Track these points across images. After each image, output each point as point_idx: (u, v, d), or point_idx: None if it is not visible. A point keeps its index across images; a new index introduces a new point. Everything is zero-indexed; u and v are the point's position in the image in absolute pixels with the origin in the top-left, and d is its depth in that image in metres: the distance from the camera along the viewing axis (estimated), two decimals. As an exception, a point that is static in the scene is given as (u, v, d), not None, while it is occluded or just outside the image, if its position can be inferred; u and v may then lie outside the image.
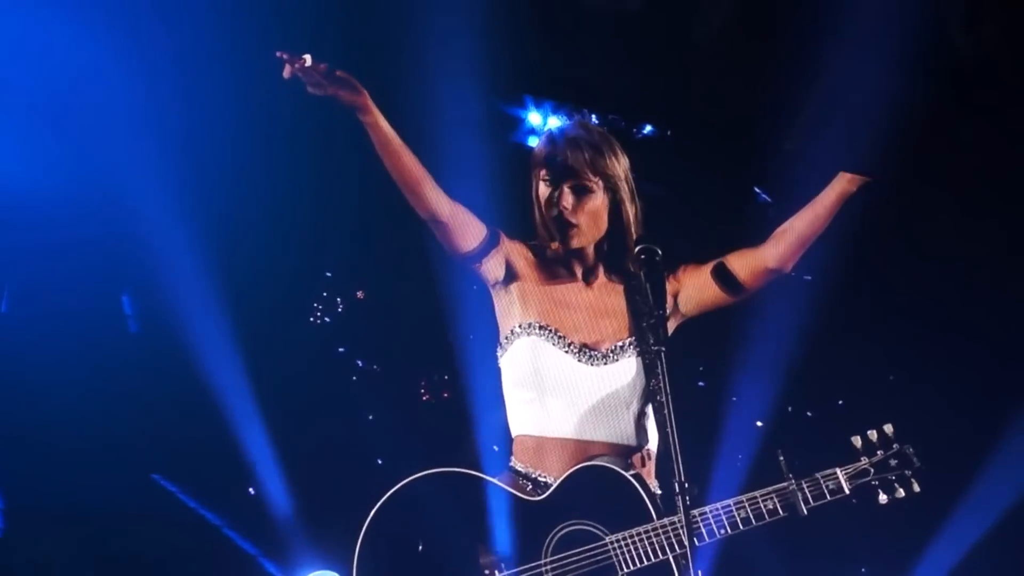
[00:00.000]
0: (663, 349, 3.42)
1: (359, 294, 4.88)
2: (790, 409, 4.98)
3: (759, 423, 4.67)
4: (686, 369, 4.21)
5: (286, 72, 3.58)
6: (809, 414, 4.98)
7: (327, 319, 5.11)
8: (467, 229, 3.92)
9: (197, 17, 4.62)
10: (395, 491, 3.72)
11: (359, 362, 5.11)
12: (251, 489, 4.92)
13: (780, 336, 5.02)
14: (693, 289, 4.02)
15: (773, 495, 3.76)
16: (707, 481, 3.97)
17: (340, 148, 4.88)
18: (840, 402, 4.31)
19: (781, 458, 3.79)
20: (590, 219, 3.99)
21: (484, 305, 4.53)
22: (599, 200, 4.01)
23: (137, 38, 4.57)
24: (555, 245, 4.02)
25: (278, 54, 3.50)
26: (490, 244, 3.97)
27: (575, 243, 3.99)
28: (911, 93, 5.00)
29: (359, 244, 5.06)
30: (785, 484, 3.77)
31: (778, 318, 4.97)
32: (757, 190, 5.27)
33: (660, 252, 3.62)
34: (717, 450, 4.46)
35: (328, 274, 5.13)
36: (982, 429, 4.95)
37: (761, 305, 4.92)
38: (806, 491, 3.79)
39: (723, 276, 4.05)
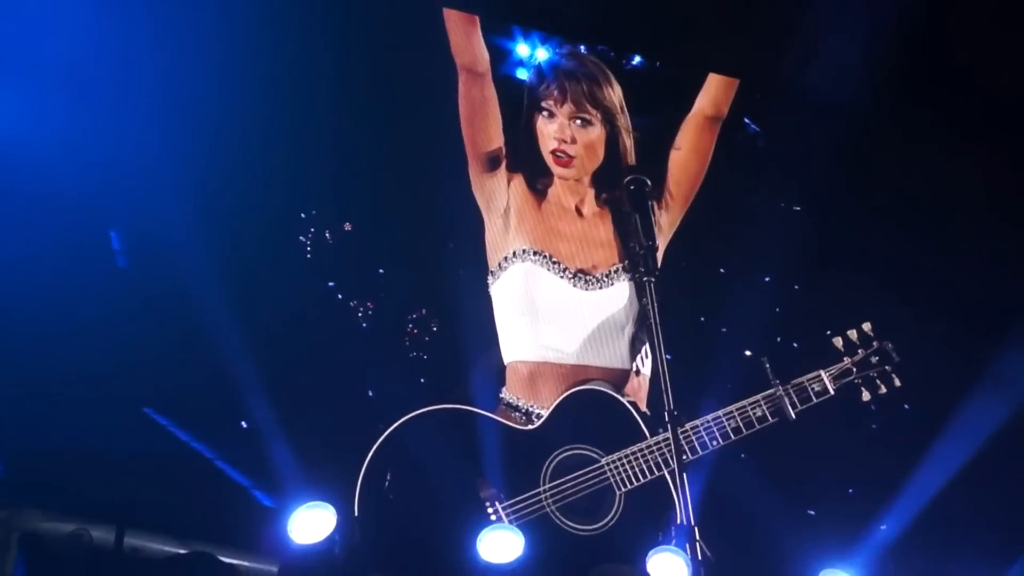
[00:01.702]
0: (653, 279, 3.62)
1: (346, 226, 4.98)
2: (779, 340, 5.15)
3: (747, 352, 4.86)
4: (679, 302, 4.39)
5: None
6: (795, 345, 5.15)
7: (315, 253, 5.18)
8: (492, 114, 4.10)
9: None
10: (391, 431, 3.92)
11: (347, 295, 5.16)
12: (243, 422, 5.02)
13: (769, 268, 5.22)
14: (672, 186, 4.23)
15: (761, 402, 4.01)
16: (697, 405, 4.17)
17: (328, 78, 5.01)
18: (828, 332, 4.48)
19: (767, 365, 4.02)
20: (587, 151, 4.22)
21: (472, 241, 4.71)
22: (597, 132, 4.24)
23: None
24: (552, 176, 4.23)
25: None
26: (500, 157, 4.16)
27: (572, 174, 4.22)
28: (901, 20, 5.16)
29: (348, 177, 5.12)
30: (772, 390, 4.00)
31: (767, 249, 5.15)
32: (746, 120, 5.35)
33: (649, 183, 3.83)
34: (707, 376, 4.65)
35: (313, 211, 5.21)
36: (970, 350, 5.18)
37: (751, 239, 5.15)
38: (793, 395, 4.04)
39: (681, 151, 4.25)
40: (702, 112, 4.44)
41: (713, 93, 4.41)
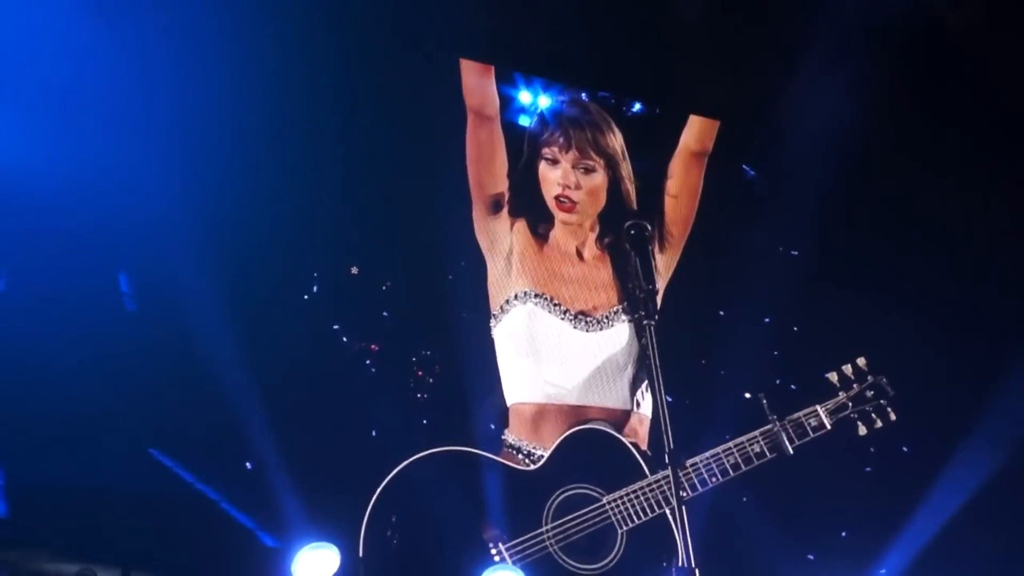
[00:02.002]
0: (653, 323, 3.67)
1: (353, 270, 5.05)
2: (778, 382, 5.22)
3: (747, 395, 4.92)
4: (679, 345, 4.48)
5: None
6: (793, 387, 5.22)
7: (321, 296, 5.23)
8: (498, 157, 4.18)
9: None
10: (396, 472, 3.96)
11: (352, 338, 5.22)
12: (248, 463, 5.06)
13: (768, 309, 5.30)
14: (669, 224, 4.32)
15: (759, 438, 4.06)
16: (697, 444, 4.22)
17: (334, 122, 5.09)
18: (826, 375, 4.55)
19: (764, 402, 4.08)
20: (590, 196, 4.31)
21: (475, 284, 4.77)
22: (599, 178, 4.34)
23: (131, 20, 4.74)
24: (554, 220, 4.33)
25: None
26: (504, 201, 4.23)
27: (574, 220, 4.30)
28: (897, 68, 5.27)
29: (354, 222, 5.19)
30: (770, 426, 4.05)
31: (765, 292, 5.20)
32: (744, 167, 5.47)
33: (649, 227, 3.90)
34: (707, 416, 4.71)
35: (320, 256, 5.27)
36: (968, 387, 5.24)
37: (748, 283, 5.23)
38: (790, 430, 4.09)
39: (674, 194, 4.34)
40: (687, 149, 4.55)
41: (697, 129, 4.53)
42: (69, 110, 4.92)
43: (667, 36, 5.03)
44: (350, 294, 5.20)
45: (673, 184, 4.46)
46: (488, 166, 4.31)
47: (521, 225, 4.42)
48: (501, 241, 4.41)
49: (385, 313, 5.19)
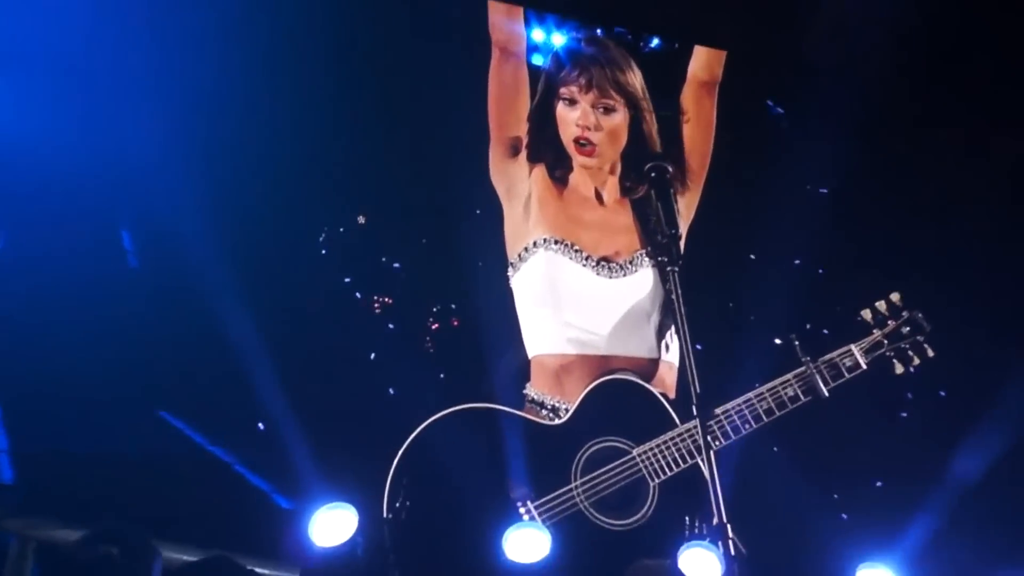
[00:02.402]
0: (676, 268, 3.59)
1: (360, 219, 4.97)
2: (808, 327, 5.11)
3: (776, 340, 4.84)
4: (705, 289, 4.40)
5: None
6: (826, 332, 5.12)
7: (330, 248, 5.19)
8: (521, 96, 4.10)
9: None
10: (417, 433, 3.89)
11: (364, 291, 5.17)
12: (260, 424, 5.02)
13: (797, 251, 5.23)
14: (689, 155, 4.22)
15: (793, 381, 4.00)
16: (727, 391, 4.15)
17: (339, 61, 5.01)
18: (859, 313, 4.46)
19: (796, 342, 3.99)
20: (610, 138, 4.22)
21: (491, 231, 4.69)
22: (620, 118, 4.24)
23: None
24: (573, 163, 4.21)
25: None
26: (523, 144, 4.14)
27: (594, 163, 4.20)
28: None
29: (361, 168, 5.12)
30: (803, 368, 3.96)
31: (794, 233, 5.14)
32: (769, 103, 5.38)
33: (671, 169, 3.82)
34: (736, 363, 4.63)
35: (327, 205, 5.20)
36: (1008, 332, 5.16)
37: (776, 224, 5.14)
38: (824, 372, 4.03)
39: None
40: (696, 79, 4.46)
41: (704, 57, 4.41)
42: (68, 69, 4.87)
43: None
44: (361, 245, 5.15)
45: (687, 117, 4.33)
46: (511, 105, 4.24)
47: (540, 171, 4.34)
48: (519, 186, 4.32)
49: (397, 264, 5.14)
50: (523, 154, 4.29)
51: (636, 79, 4.33)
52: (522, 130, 4.26)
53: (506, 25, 4.21)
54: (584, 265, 4.26)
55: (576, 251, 4.27)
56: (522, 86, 4.29)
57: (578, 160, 4.26)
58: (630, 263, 4.29)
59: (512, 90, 4.26)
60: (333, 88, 5.07)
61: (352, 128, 5.11)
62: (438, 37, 4.94)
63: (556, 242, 4.26)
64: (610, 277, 4.28)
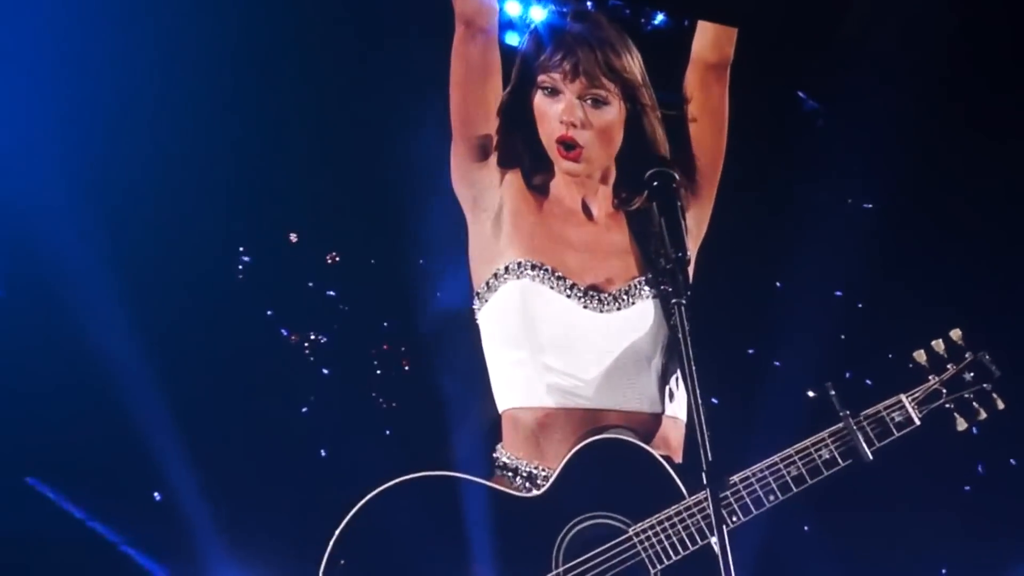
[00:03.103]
0: (683, 301, 3.53)
1: (291, 237, 4.97)
2: (848, 376, 5.15)
3: (811, 393, 4.79)
4: (720, 327, 4.35)
5: None
6: (869, 382, 5.15)
7: (250, 273, 5.21)
8: (491, 82, 4.03)
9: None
10: (357, 510, 3.83)
11: (291, 326, 5.22)
12: (156, 493, 5.03)
13: (832, 281, 5.26)
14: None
15: (828, 440, 3.89)
16: (747, 454, 4.09)
17: (270, 56, 5.06)
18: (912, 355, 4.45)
19: (832, 392, 3.93)
20: (601, 137, 4.11)
21: (452, 252, 4.64)
22: (613, 112, 4.12)
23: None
24: (555, 169, 4.13)
25: None
26: (493, 143, 4.07)
27: (581, 168, 4.10)
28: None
29: (290, 172, 5.13)
30: (841, 425, 3.90)
31: (832, 258, 5.18)
32: (801, 95, 5.40)
33: (678, 177, 3.74)
34: (758, 419, 4.70)
35: (247, 218, 5.21)
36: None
37: (810, 245, 5.15)
38: (868, 429, 3.93)
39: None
40: (703, 61, 4.34)
41: (711, 34, 4.34)
42: None
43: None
44: (288, 269, 5.16)
45: (693, 108, 4.28)
46: (478, 95, 4.12)
47: (513, 177, 4.22)
48: (488, 196, 4.20)
49: (331, 292, 5.15)
50: (493, 156, 4.18)
51: (635, 64, 4.22)
52: (492, 126, 4.16)
53: None
54: (568, 295, 4.15)
55: (558, 278, 4.15)
56: (492, 71, 4.18)
57: (561, 165, 4.14)
58: (625, 293, 4.18)
59: (479, 76, 4.14)
60: (257, 74, 5.09)
61: (280, 124, 5.13)
62: (386, 11, 4.97)
63: (533, 266, 4.15)
64: (600, 310, 4.15)
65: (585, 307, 4.07)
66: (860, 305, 5.36)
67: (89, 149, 4.93)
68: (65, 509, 5.02)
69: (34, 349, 4.96)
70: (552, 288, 4.08)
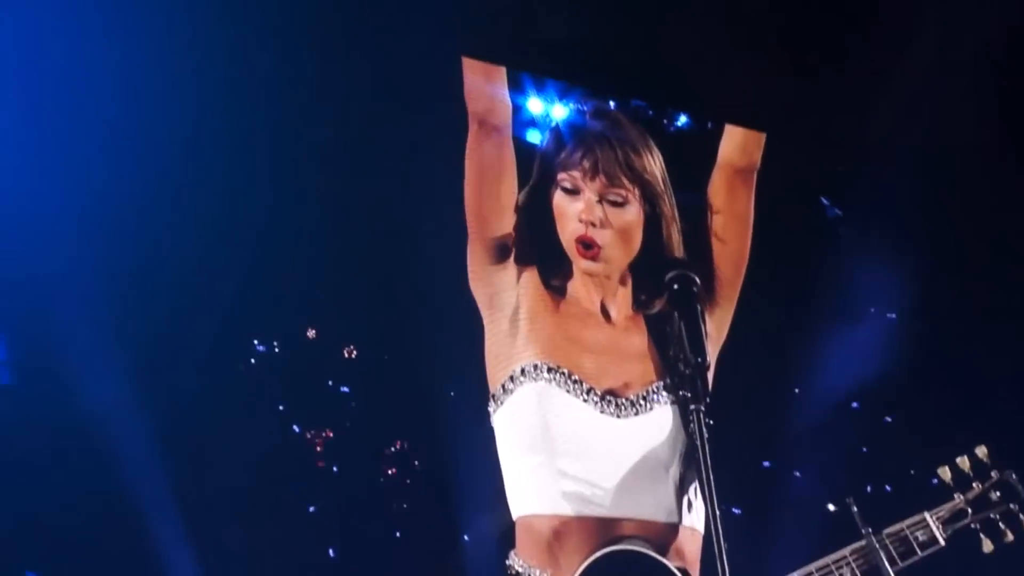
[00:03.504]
0: (702, 408, 3.51)
1: (309, 332, 4.91)
2: (869, 489, 5.02)
3: (831, 507, 4.70)
4: (739, 436, 4.27)
5: None
6: (888, 488, 5.06)
7: (261, 367, 5.20)
8: (506, 180, 4.00)
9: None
10: None
11: (301, 423, 5.21)
12: None
13: (853, 392, 5.16)
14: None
15: (850, 558, 3.83)
16: (766, 568, 4.02)
17: (291, 149, 5.08)
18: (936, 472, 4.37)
19: (854, 508, 3.85)
20: (621, 237, 4.05)
21: (468, 352, 4.57)
22: (633, 213, 4.07)
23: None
24: (573, 269, 4.07)
25: None
26: (510, 242, 4.02)
27: (599, 268, 4.04)
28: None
29: (308, 271, 5.14)
30: (863, 542, 3.83)
31: (850, 369, 5.10)
32: (824, 201, 5.36)
33: (698, 281, 3.71)
34: (778, 531, 4.64)
35: (261, 313, 5.20)
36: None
37: (830, 354, 5.08)
38: (890, 547, 3.87)
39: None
40: (730, 164, 4.32)
41: (740, 138, 4.31)
42: None
43: (725, 29, 4.86)
44: (299, 364, 5.14)
45: (718, 211, 4.23)
46: (492, 192, 4.09)
47: (531, 276, 4.15)
48: (504, 296, 4.14)
49: (345, 388, 5.12)
50: (510, 256, 4.13)
51: (655, 164, 4.18)
52: (508, 225, 4.12)
53: (485, 90, 4.08)
54: (585, 400, 4.06)
55: (575, 382, 4.07)
56: (507, 170, 4.14)
57: (580, 264, 4.08)
58: (643, 399, 4.09)
59: (494, 175, 4.10)
60: (282, 158, 5.12)
61: (301, 220, 5.15)
62: (409, 107, 4.98)
63: (549, 369, 4.06)
64: (618, 416, 4.06)
65: (602, 412, 3.99)
66: (888, 419, 5.33)
67: (105, 223, 4.94)
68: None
69: (42, 440, 4.94)
70: (568, 392, 3.99)
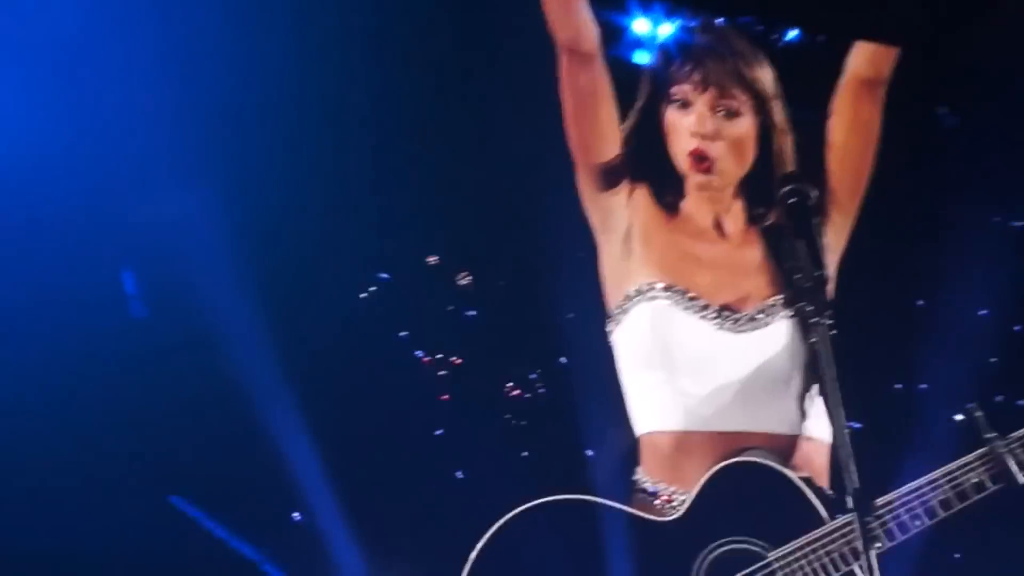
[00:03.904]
0: (825, 320, 3.45)
1: (430, 259, 4.96)
2: (1000, 399, 4.96)
3: (958, 417, 4.64)
4: (860, 347, 4.24)
5: None
6: (1021, 402, 5.03)
7: (383, 294, 5.21)
8: (605, 108, 4.00)
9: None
10: (494, 531, 3.81)
11: (425, 348, 5.23)
12: (296, 513, 5.08)
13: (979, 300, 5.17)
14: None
15: (977, 464, 3.76)
16: (892, 476, 3.98)
17: (395, 73, 5.07)
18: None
19: (978, 414, 3.78)
20: (734, 149, 4.03)
21: (585, 273, 4.60)
22: (746, 124, 4.05)
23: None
24: (685, 185, 4.05)
25: None
26: (617, 164, 4.01)
27: (713, 182, 4.02)
28: None
29: (427, 197, 5.16)
30: (989, 447, 3.76)
31: (976, 278, 5.06)
32: (942, 111, 5.30)
33: (814, 193, 3.62)
34: (903, 442, 4.58)
35: (382, 241, 5.29)
36: None
37: (955, 264, 5.02)
38: (1018, 453, 3.79)
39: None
40: (856, 76, 4.23)
41: (869, 53, 4.22)
42: (74, 94, 4.96)
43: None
44: (420, 291, 5.15)
45: (839, 124, 4.19)
46: (592, 120, 4.07)
47: (642, 193, 4.15)
48: (616, 216, 4.14)
49: (471, 312, 5.14)
50: (619, 179, 4.13)
51: (767, 75, 4.13)
52: (613, 148, 4.10)
53: (566, 18, 4.03)
54: (702, 317, 4.04)
55: (692, 299, 4.05)
56: (604, 97, 4.09)
57: (693, 179, 4.05)
58: (761, 313, 4.06)
59: (591, 102, 4.06)
60: (391, 100, 5.13)
61: (415, 146, 5.17)
62: (510, 31, 4.94)
63: (665, 288, 4.06)
64: (736, 331, 4.04)
65: (720, 328, 3.97)
66: (1017, 328, 5.24)
67: (226, 166, 5.01)
68: (208, 528, 5.08)
69: (176, 371, 5.04)
70: (685, 310, 3.99)
